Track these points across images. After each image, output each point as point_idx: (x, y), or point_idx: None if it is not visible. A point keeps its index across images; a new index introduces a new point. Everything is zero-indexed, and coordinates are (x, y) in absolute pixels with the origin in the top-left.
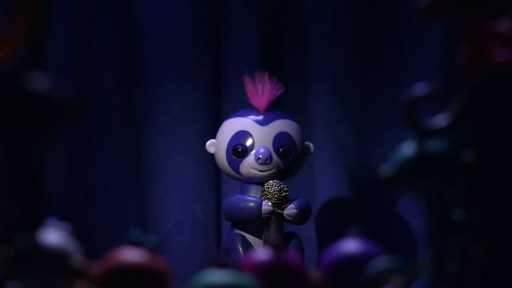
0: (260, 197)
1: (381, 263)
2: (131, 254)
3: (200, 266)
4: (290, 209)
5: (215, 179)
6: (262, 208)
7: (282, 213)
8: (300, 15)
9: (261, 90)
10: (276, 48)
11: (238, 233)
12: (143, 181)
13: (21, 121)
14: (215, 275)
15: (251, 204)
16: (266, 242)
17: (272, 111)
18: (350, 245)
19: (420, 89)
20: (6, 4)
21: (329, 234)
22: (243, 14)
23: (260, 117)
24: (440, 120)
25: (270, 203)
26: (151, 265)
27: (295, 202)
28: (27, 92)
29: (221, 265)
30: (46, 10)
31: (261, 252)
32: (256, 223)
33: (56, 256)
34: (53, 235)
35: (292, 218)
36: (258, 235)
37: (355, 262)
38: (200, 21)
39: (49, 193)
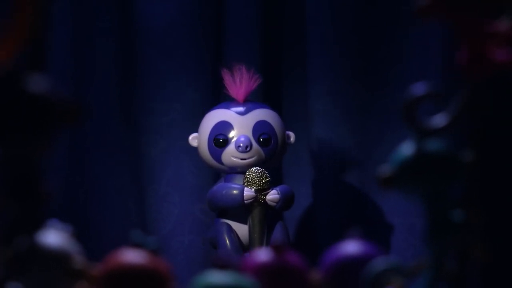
0: (243, 184)
1: (380, 263)
2: (132, 256)
3: (200, 266)
4: (272, 195)
5: (215, 178)
6: (244, 194)
7: (264, 199)
8: (300, 15)
9: (239, 82)
10: (276, 48)
11: (223, 222)
12: (143, 181)
13: (20, 122)
14: (216, 277)
15: (234, 191)
16: (251, 230)
17: (251, 102)
18: (351, 247)
19: (419, 89)
20: (6, 4)
21: (330, 234)
22: (244, 14)
23: (240, 108)
24: (439, 120)
25: (252, 189)
26: (152, 267)
27: (277, 188)
28: (27, 93)
29: (222, 266)
30: (46, 10)
31: (262, 254)
32: (240, 211)
33: (57, 257)
34: (54, 237)
35: (275, 204)
36: (243, 223)
37: (356, 264)
38: (200, 21)
39: (49, 193)
